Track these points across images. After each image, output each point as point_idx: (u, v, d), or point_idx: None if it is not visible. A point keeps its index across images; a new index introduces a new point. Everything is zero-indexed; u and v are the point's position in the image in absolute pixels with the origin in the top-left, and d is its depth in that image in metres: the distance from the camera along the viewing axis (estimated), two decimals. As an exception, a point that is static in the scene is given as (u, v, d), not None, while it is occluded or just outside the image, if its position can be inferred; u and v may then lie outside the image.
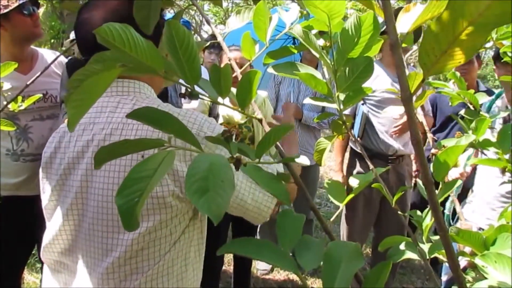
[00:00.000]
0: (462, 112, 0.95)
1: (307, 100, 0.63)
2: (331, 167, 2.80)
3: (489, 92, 2.61)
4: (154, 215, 0.82)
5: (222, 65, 2.17)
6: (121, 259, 0.84)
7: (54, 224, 0.91)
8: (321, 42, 0.58)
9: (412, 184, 2.69)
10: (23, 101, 1.41)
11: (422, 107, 2.57)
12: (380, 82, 2.47)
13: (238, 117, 2.29)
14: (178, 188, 0.81)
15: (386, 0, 0.29)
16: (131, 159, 0.81)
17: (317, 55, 0.53)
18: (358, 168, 2.64)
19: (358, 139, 2.61)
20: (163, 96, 1.98)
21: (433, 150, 0.67)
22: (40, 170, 0.94)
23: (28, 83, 1.40)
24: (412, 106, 0.30)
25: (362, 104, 2.58)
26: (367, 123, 2.58)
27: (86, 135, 0.87)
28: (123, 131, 0.83)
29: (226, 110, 2.28)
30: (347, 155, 2.83)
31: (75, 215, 0.88)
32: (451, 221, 1.96)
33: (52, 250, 0.93)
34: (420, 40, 0.31)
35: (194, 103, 2.44)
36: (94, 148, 0.85)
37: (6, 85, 1.38)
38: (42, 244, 0.95)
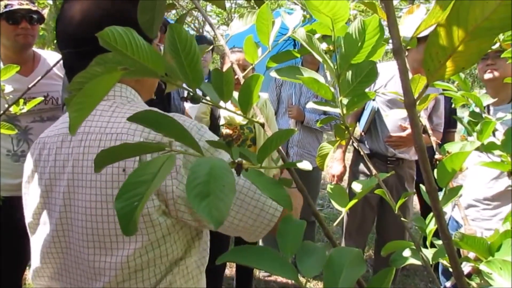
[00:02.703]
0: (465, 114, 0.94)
1: (310, 105, 0.63)
2: (331, 166, 2.78)
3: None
4: (141, 235, 0.75)
5: (224, 67, 2.17)
6: (112, 283, 0.77)
7: (41, 245, 0.84)
8: (324, 46, 0.58)
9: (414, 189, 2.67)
10: (25, 103, 1.42)
11: (430, 118, 2.56)
12: (394, 82, 2.46)
13: (239, 118, 2.29)
14: (163, 202, 0.74)
15: (389, 3, 0.29)
16: (112, 173, 0.74)
17: (321, 59, 0.53)
18: (361, 166, 2.63)
19: (363, 133, 2.60)
20: (166, 99, 1.98)
21: (437, 156, 0.67)
22: (23, 184, 0.88)
23: (29, 86, 1.41)
24: (416, 112, 0.30)
25: (373, 99, 2.56)
26: (374, 120, 2.56)
27: (65, 147, 0.81)
28: (101, 142, 0.76)
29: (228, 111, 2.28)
30: (351, 155, 2.83)
31: (60, 236, 0.81)
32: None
33: (41, 275, 0.87)
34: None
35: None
36: (74, 162, 0.79)
37: (8, 88, 1.39)
38: (31, 267, 0.89)
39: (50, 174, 0.82)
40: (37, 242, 0.86)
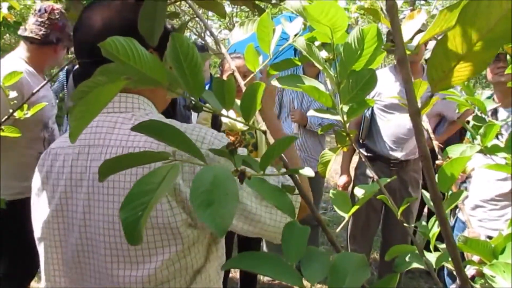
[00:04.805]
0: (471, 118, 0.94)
1: (311, 113, 0.63)
2: (336, 170, 2.80)
3: None
4: (169, 247, 0.75)
5: (225, 74, 2.16)
6: None
7: (58, 262, 0.82)
8: (323, 54, 0.58)
9: (419, 195, 2.67)
10: (28, 109, 1.43)
11: (440, 115, 2.58)
12: (386, 88, 2.48)
13: (240, 124, 2.29)
14: (188, 213, 0.74)
15: (394, 13, 0.29)
16: (131, 184, 0.73)
17: (321, 68, 0.53)
18: (366, 169, 2.63)
19: (360, 141, 2.63)
20: (171, 104, 1.99)
21: (438, 161, 0.67)
22: (32, 196, 0.85)
23: (33, 91, 1.44)
24: (420, 121, 0.30)
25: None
26: (373, 125, 2.59)
27: (82, 159, 0.78)
28: None
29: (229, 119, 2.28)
30: (355, 157, 2.83)
31: (80, 251, 0.79)
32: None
33: None
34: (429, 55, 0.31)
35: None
36: (93, 175, 0.76)
37: (12, 94, 1.40)
38: (44, 283, 0.85)
39: (66, 187, 0.79)
40: (51, 256, 0.83)
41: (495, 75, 1.98)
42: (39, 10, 1.93)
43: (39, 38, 1.90)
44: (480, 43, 0.28)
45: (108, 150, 0.76)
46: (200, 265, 0.80)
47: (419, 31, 0.61)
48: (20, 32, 1.97)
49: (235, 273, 3.10)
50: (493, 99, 2.07)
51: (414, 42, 0.48)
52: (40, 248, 0.85)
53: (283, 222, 0.80)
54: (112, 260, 0.75)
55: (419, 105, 0.33)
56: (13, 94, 1.43)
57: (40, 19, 1.92)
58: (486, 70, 2.06)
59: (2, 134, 1.31)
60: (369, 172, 2.61)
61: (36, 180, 0.84)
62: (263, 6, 0.85)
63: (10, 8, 2.07)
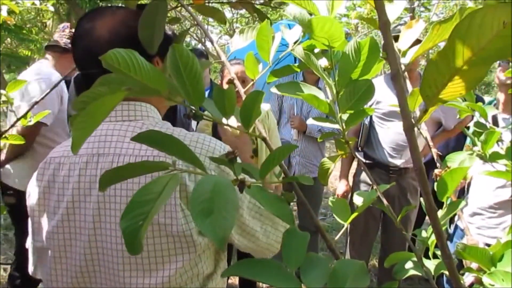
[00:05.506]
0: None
1: (311, 121, 0.64)
2: (335, 176, 2.80)
3: (478, 99, 2.58)
4: (182, 255, 0.75)
5: (224, 80, 2.16)
6: None
7: (62, 273, 0.80)
8: (322, 62, 0.59)
9: (418, 203, 2.66)
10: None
11: (439, 123, 2.59)
12: (388, 95, 2.49)
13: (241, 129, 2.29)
14: None
15: (387, 33, 0.30)
16: None
17: (319, 76, 0.54)
18: (364, 176, 2.64)
19: (359, 148, 2.63)
20: (171, 113, 1.99)
21: (436, 171, 0.68)
22: (32, 207, 0.83)
23: (37, 100, 1.46)
24: (415, 135, 0.31)
25: None
26: (372, 133, 2.59)
27: (91, 168, 0.77)
28: None
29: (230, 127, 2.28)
30: (354, 163, 2.83)
31: (88, 260, 0.78)
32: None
33: None
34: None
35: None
36: None
37: (16, 102, 1.41)
38: None
39: (73, 196, 0.78)
40: (54, 267, 0.82)
41: (504, 76, 1.96)
42: (62, 27, 2.40)
43: (60, 45, 2.32)
44: (472, 61, 0.29)
45: (119, 159, 0.76)
46: (210, 271, 0.82)
47: (418, 40, 0.61)
48: (45, 44, 2.40)
49: (234, 280, 3.09)
50: (495, 104, 2.07)
51: (408, 56, 0.49)
52: (43, 257, 0.84)
53: (274, 240, 0.85)
54: (124, 268, 0.75)
55: (418, 113, 0.34)
56: (16, 102, 1.44)
57: (62, 33, 2.36)
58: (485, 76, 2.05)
59: (4, 141, 1.31)
60: (368, 179, 2.61)
61: (35, 190, 0.82)
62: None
63: (10, 12, 2.08)
